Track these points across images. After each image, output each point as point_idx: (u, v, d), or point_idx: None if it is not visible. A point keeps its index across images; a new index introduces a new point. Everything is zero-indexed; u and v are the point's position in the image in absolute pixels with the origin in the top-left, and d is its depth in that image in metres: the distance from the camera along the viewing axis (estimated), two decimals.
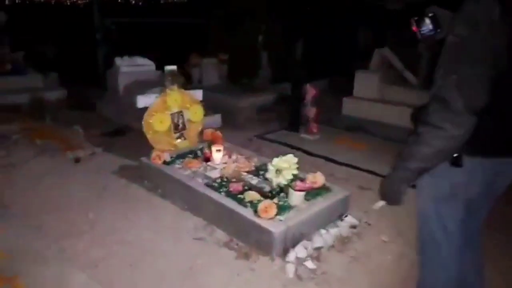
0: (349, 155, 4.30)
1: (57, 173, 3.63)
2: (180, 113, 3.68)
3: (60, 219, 2.93)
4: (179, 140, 3.72)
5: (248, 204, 2.76)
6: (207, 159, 3.43)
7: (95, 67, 6.17)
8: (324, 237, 2.80)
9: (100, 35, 6.13)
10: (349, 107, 5.76)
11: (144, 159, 3.40)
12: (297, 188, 2.80)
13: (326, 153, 4.30)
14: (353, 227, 3.01)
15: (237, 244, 2.70)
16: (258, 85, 6.70)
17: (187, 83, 6.62)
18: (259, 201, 2.77)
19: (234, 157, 3.60)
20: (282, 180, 2.75)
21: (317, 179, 3.07)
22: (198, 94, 3.92)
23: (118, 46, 6.20)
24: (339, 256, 2.64)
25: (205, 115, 3.93)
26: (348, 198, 3.14)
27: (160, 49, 6.52)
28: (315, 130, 4.82)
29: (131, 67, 5.35)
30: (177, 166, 3.34)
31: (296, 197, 2.81)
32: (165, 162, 3.35)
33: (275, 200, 2.81)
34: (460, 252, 1.70)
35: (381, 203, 1.75)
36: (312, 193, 2.95)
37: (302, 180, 2.98)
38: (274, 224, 2.56)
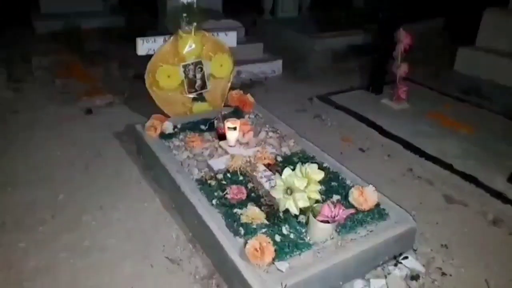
0: (446, 141, 2.92)
1: (58, 127, 3.03)
2: (198, 65, 2.69)
3: (24, 197, 2.32)
4: (196, 103, 2.77)
5: (242, 230, 1.79)
6: (221, 137, 2.47)
7: None
8: None
9: None
10: (465, 61, 4.09)
11: (139, 126, 2.56)
12: (322, 216, 1.72)
13: (409, 135, 2.99)
14: (415, 277, 1.89)
15: (217, 286, 1.81)
16: (350, 22, 5.23)
17: (258, 15, 5.48)
18: (259, 226, 1.80)
19: (263, 135, 2.57)
20: (292, 207, 1.69)
21: (366, 197, 1.94)
22: (230, 38, 2.83)
23: None
24: None
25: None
26: (413, 231, 1.97)
27: None
28: (403, 96, 3.44)
29: None
30: (176, 143, 2.44)
31: (318, 231, 1.75)
32: (162, 135, 2.47)
33: (286, 228, 1.79)
34: None
35: None
36: (353, 221, 1.86)
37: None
38: (265, 278, 1.58)
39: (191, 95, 2.74)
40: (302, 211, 1.78)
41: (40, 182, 2.44)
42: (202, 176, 2.16)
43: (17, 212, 2.20)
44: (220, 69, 2.76)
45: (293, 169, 1.76)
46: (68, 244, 1.99)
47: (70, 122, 3.11)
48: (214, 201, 1.97)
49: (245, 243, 1.67)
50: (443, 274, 1.91)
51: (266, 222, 1.83)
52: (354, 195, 1.94)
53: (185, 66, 2.65)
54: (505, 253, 2.04)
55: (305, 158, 2.33)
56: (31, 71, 3.83)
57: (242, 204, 1.94)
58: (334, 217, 1.73)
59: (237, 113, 2.71)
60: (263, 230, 1.77)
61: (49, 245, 1.98)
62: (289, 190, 1.69)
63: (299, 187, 1.63)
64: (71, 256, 1.93)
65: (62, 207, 2.25)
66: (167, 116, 2.66)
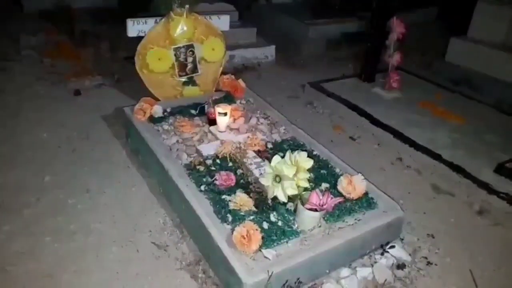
0: (436, 131, 2.92)
1: (45, 108, 2.97)
2: (189, 49, 2.64)
3: (8, 179, 2.28)
4: (187, 87, 2.73)
5: (229, 217, 1.78)
6: (212, 122, 2.44)
7: None
8: (345, 285, 1.76)
9: None
10: (456, 52, 4.07)
11: (127, 109, 2.52)
12: (310, 204, 1.72)
13: (399, 124, 2.98)
14: (401, 266, 1.90)
15: (204, 272, 1.81)
16: (344, 9, 5.15)
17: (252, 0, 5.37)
18: (247, 213, 1.79)
19: (253, 121, 2.54)
20: (281, 194, 1.68)
21: (355, 185, 1.94)
22: (223, 21, 2.78)
23: None
24: None
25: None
26: (401, 220, 1.99)
27: None
28: (395, 85, 3.43)
29: None
30: (165, 127, 2.41)
31: (306, 219, 1.75)
32: (151, 118, 2.43)
33: (274, 215, 1.79)
34: None
35: None
36: (341, 209, 1.86)
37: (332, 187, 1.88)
38: (252, 265, 1.58)
39: (182, 79, 2.69)
40: (291, 198, 1.78)
41: (26, 164, 2.40)
42: (191, 162, 2.13)
43: (1, 195, 2.16)
44: (212, 53, 2.72)
45: (283, 157, 1.74)
46: (53, 228, 1.97)
47: (58, 103, 3.05)
48: (202, 187, 1.95)
49: (233, 230, 1.66)
50: (429, 263, 1.93)
51: (254, 209, 1.82)
52: (343, 184, 1.93)
53: (176, 49, 2.60)
54: (490, 243, 2.07)
55: (296, 146, 2.32)
56: (19, 50, 3.74)
57: (231, 190, 1.93)
58: (322, 205, 1.72)
59: (228, 98, 2.67)
60: (251, 217, 1.76)
61: (34, 229, 1.96)
62: (278, 178, 1.68)
63: (288, 175, 1.62)
64: (55, 240, 1.90)
65: (47, 190, 2.21)
66: (157, 100, 2.61)
